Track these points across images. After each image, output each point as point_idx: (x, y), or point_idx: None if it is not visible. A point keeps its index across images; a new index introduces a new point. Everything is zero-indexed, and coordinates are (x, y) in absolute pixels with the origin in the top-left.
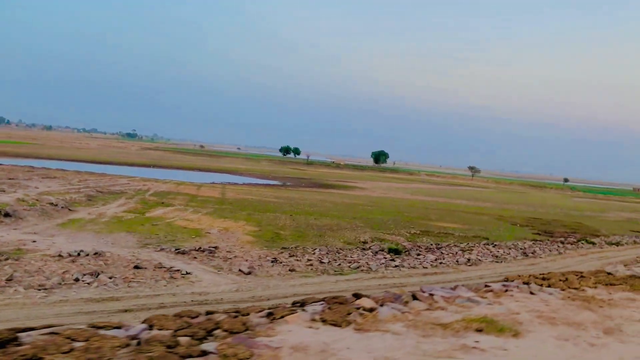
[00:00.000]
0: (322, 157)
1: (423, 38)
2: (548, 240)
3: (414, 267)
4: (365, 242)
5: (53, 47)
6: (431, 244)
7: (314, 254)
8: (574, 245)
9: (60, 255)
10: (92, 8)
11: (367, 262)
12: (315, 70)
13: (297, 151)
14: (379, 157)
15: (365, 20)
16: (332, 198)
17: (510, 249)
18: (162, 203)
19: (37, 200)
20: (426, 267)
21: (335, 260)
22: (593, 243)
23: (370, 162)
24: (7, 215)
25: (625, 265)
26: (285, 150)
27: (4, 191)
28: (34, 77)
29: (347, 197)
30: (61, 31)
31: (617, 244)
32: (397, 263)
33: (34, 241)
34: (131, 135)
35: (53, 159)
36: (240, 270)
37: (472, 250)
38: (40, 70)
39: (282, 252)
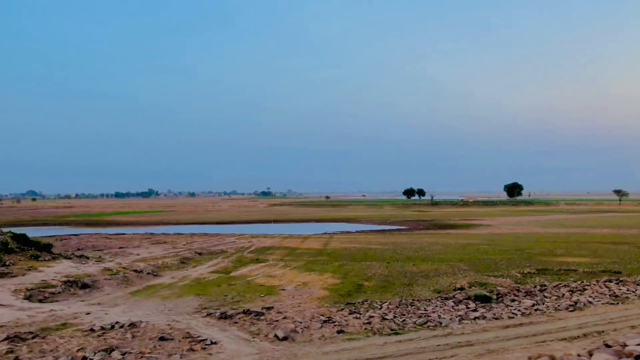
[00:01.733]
0: (450, 195)
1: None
2: None
3: (497, 318)
4: (461, 289)
5: (201, 114)
6: (535, 286)
7: (380, 308)
8: None
9: (92, 330)
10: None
11: (439, 315)
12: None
13: (421, 192)
14: (512, 189)
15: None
16: (445, 239)
17: (637, 284)
18: (257, 260)
19: (124, 268)
20: (513, 317)
21: (403, 314)
22: None
23: (503, 196)
24: (84, 286)
25: None
26: (409, 193)
27: (102, 260)
28: (177, 147)
29: (464, 237)
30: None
31: None
32: (478, 314)
33: (88, 313)
34: (265, 194)
35: (180, 224)
36: (275, 335)
37: (585, 289)
38: (181, 138)
39: (343, 309)
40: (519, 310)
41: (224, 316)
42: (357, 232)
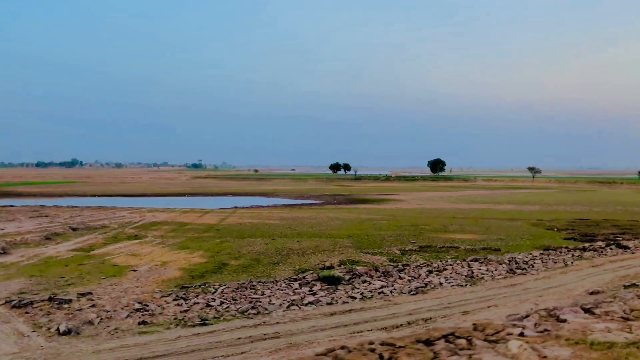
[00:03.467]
0: (380, 170)
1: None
2: (567, 247)
3: (330, 303)
4: (329, 267)
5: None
6: (398, 265)
7: (214, 292)
8: (596, 252)
9: None
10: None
11: (270, 301)
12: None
13: (347, 167)
14: (436, 165)
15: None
16: (349, 215)
17: (502, 264)
18: (135, 236)
19: None
20: (347, 302)
21: (235, 300)
22: (626, 247)
23: (428, 172)
24: None
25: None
26: (335, 167)
27: None
28: (103, 119)
29: (369, 212)
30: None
31: None
32: (313, 299)
33: None
34: (197, 166)
35: (85, 196)
36: (57, 329)
37: (445, 269)
38: (109, 113)
39: (170, 294)
40: (361, 294)
41: (18, 305)
42: (267, 206)
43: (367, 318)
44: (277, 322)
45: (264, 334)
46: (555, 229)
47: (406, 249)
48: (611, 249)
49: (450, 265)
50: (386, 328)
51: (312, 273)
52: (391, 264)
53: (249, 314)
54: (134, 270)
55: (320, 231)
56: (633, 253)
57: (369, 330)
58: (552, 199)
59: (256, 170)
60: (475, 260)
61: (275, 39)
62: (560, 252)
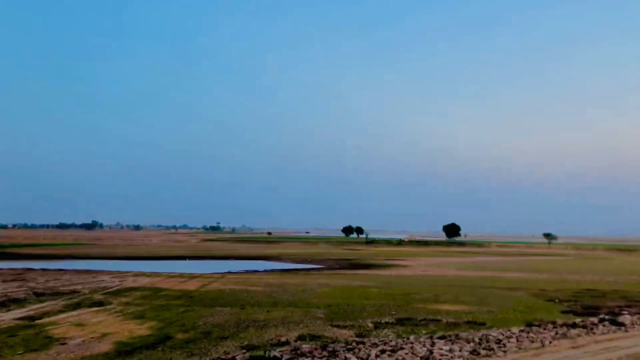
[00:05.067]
0: (401, 235)
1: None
2: (554, 323)
3: None
4: (284, 343)
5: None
6: (357, 343)
7: None
8: (584, 330)
9: None
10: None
11: None
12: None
13: (359, 230)
14: (450, 230)
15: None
16: (342, 281)
17: (470, 342)
18: (100, 303)
19: None
20: None
21: None
22: (621, 324)
23: (443, 236)
24: None
25: None
26: (348, 230)
27: None
28: (124, 181)
29: (366, 278)
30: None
31: None
32: None
33: None
34: (214, 228)
35: (89, 259)
36: None
37: (402, 348)
38: (130, 174)
39: None
40: None
41: None
42: (263, 271)
43: None
44: None
45: None
46: (557, 300)
47: (382, 321)
48: (604, 325)
49: (411, 343)
50: None
51: (244, 353)
52: (356, 339)
53: None
54: (63, 344)
55: (300, 299)
56: (626, 332)
57: None
58: (564, 267)
59: (269, 233)
60: (442, 337)
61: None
62: (544, 329)
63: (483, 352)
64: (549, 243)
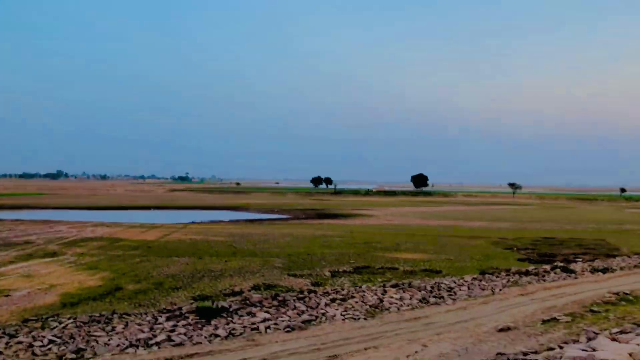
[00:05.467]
0: (367, 185)
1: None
2: (507, 270)
3: (181, 344)
4: (239, 292)
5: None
6: (310, 292)
7: (53, 328)
8: (536, 277)
9: None
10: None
11: (108, 341)
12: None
13: (328, 181)
14: (418, 180)
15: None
16: (305, 231)
17: (421, 290)
18: (54, 254)
19: None
20: (201, 342)
21: (68, 340)
22: (571, 271)
23: (411, 186)
24: None
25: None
26: (317, 181)
27: None
28: (93, 130)
29: (330, 227)
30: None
31: (606, 270)
32: (164, 337)
33: None
34: (183, 179)
35: (46, 208)
36: None
37: (352, 297)
38: (97, 123)
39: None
40: (230, 331)
41: None
42: (229, 221)
43: None
44: None
45: None
46: (515, 249)
47: (340, 270)
48: (555, 272)
49: (363, 292)
50: None
51: (191, 303)
52: (311, 287)
53: (66, 359)
54: (7, 296)
55: (261, 249)
56: (576, 278)
57: None
58: (527, 216)
59: (238, 184)
60: (395, 286)
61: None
62: (497, 277)
63: (432, 299)
64: (514, 193)
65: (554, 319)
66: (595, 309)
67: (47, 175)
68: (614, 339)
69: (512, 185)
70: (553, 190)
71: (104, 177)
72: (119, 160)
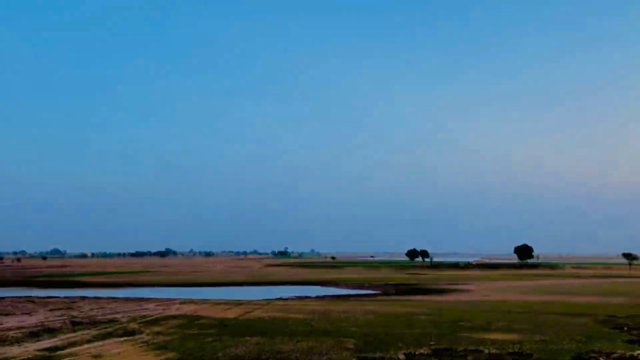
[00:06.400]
0: (468, 258)
1: None
2: (610, 354)
3: None
4: None
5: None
6: None
7: None
8: None
9: None
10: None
11: None
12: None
13: (424, 254)
14: (522, 251)
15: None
16: (390, 308)
17: None
18: (132, 332)
19: None
20: None
21: None
22: None
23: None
24: None
25: None
26: (412, 254)
27: None
28: (196, 210)
29: (419, 304)
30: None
31: None
32: None
33: None
34: (282, 254)
35: (146, 286)
36: None
37: None
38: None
39: None
40: None
41: None
42: (315, 297)
43: None
44: None
45: None
46: (625, 328)
47: (416, 352)
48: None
49: None
50: None
51: None
52: None
53: None
54: None
55: (337, 328)
56: None
57: None
58: None
59: (333, 258)
60: None
61: None
62: None
63: None
64: (630, 264)
65: None
66: None
67: (156, 254)
68: None
69: (627, 255)
70: None
71: (208, 254)
72: (222, 236)
